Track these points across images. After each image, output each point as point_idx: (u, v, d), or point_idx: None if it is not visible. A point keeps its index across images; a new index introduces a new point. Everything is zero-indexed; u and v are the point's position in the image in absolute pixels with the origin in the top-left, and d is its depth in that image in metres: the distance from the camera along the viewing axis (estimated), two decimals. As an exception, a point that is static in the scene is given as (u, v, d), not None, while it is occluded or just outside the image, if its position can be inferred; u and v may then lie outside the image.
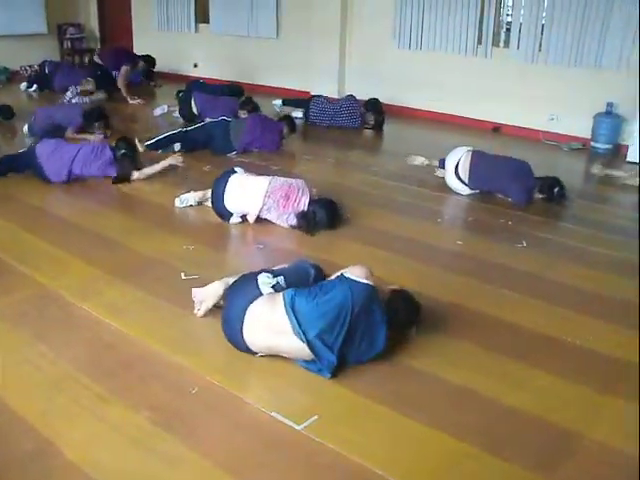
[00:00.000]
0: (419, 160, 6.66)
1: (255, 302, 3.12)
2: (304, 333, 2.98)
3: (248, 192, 4.94)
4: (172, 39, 12.36)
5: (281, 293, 3.13)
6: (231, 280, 3.47)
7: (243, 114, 8.02)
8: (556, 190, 5.69)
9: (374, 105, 8.79)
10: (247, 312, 3.11)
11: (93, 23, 13.70)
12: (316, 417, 2.79)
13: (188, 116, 8.28)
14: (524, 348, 3.44)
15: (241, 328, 3.12)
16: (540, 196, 5.73)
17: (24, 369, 3.10)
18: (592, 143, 7.98)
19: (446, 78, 9.16)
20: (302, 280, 3.36)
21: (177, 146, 6.93)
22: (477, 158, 5.83)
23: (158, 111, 8.98)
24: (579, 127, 8.11)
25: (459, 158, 5.86)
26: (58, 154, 5.84)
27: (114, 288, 3.94)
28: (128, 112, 9.25)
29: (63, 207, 5.52)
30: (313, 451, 2.62)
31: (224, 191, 4.96)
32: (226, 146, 6.94)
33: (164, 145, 6.95)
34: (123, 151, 6.03)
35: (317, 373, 3.08)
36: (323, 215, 4.88)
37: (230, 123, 7.08)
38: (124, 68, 10.00)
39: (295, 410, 2.84)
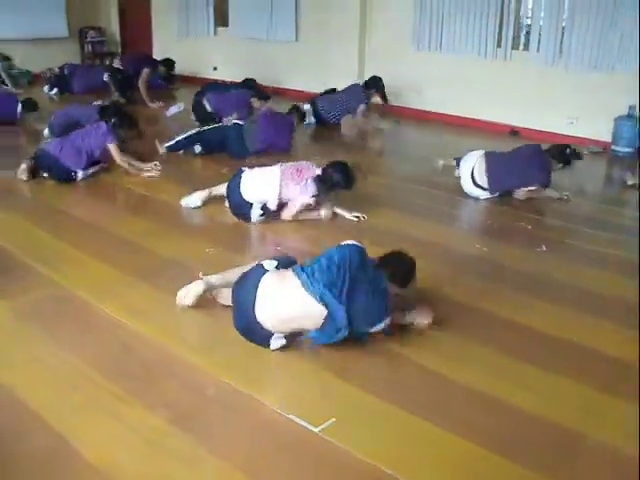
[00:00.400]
0: (440, 163, 6.60)
1: (265, 275, 3.26)
2: (312, 285, 3.12)
3: (263, 177, 5.06)
4: (192, 42, 12.43)
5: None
6: (212, 279, 3.62)
7: (256, 104, 8.10)
8: (568, 151, 5.75)
9: (374, 81, 8.86)
10: (259, 286, 3.21)
11: (114, 26, 13.83)
12: (333, 419, 2.78)
13: (202, 116, 8.32)
14: (540, 352, 3.42)
15: (253, 306, 3.18)
16: (558, 166, 5.77)
17: (40, 368, 3.12)
18: (612, 146, 7.92)
19: (465, 81, 9.13)
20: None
21: (197, 148, 6.97)
22: (491, 161, 5.79)
23: (173, 109, 8.98)
24: (599, 130, 8.05)
25: (473, 164, 5.82)
26: (68, 144, 6.05)
27: (131, 289, 3.96)
28: (147, 114, 9.28)
29: (82, 208, 5.56)
30: (329, 454, 2.61)
31: (240, 182, 5.04)
32: (241, 150, 6.93)
33: (184, 146, 6.99)
34: (113, 120, 6.29)
35: (331, 340, 3.15)
36: (339, 175, 4.99)
37: (243, 127, 7.05)
38: (145, 71, 10.10)
39: (312, 412, 2.83)
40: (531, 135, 8.52)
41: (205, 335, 3.57)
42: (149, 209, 5.53)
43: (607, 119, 7.90)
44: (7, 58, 11.32)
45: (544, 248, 4.81)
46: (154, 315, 3.66)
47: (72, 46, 13.00)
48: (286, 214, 5.10)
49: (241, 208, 5.08)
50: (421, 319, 3.53)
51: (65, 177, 5.97)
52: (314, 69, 10.65)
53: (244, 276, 3.38)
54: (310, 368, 3.17)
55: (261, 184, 5.03)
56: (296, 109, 7.65)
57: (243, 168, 5.23)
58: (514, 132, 8.77)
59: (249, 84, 9.30)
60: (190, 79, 12.03)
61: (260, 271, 3.31)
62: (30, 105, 8.46)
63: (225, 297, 3.62)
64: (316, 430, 2.72)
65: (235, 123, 7.15)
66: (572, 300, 4.01)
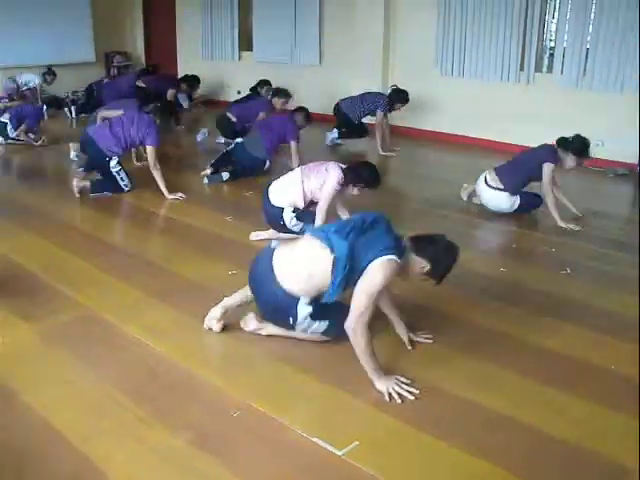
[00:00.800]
0: (464, 187, 6.57)
1: (276, 250, 3.44)
2: (322, 231, 3.31)
3: (287, 180, 5.16)
4: (216, 66, 12.56)
5: None
6: (227, 302, 3.68)
7: (278, 104, 8.42)
8: (570, 138, 5.83)
9: (397, 91, 8.81)
10: (273, 259, 3.38)
11: (140, 51, 14.03)
12: (357, 443, 2.77)
13: (225, 128, 8.45)
14: (565, 376, 3.38)
15: (272, 274, 3.33)
16: (568, 154, 5.81)
17: (67, 391, 3.14)
18: (638, 168, 7.85)
19: (489, 104, 9.11)
20: None
21: (225, 175, 7.00)
22: (499, 167, 6.05)
23: (200, 136, 9.09)
24: (625, 152, 7.98)
25: (484, 176, 6.03)
26: (106, 128, 6.29)
27: (155, 311, 3.99)
28: (171, 137, 9.37)
29: (105, 230, 5.63)
30: (353, 477, 2.59)
31: (268, 192, 5.15)
32: (255, 163, 6.99)
33: (221, 165, 7.07)
34: (152, 107, 6.66)
35: (339, 283, 3.17)
36: (366, 171, 4.97)
37: (244, 142, 7.12)
38: (170, 92, 10.17)
39: (336, 435, 2.82)
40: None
41: (229, 357, 3.57)
42: (173, 231, 5.57)
43: (633, 141, 7.83)
44: (53, 73, 11.36)
45: (568, 271, 4.78)
46: (177, 337, 3.67)
47: (98, 70, 13.16)
48: (320, 205, 5.03)
49: (275, 217, 5.16)
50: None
51: (99, 162, 6.20)
52: (337, 93, 10.67)
53: (256, 260, 3.54)
54: (334, 391, 3.16)
55: (286, 187, 5.12)
56: (301, 109, 7.60)
57: (270, 181, 5.33)
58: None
59: (264, 82, 9.97)
60: (214, 102, 12.14)
61: (270, 250, 3.47)
62: (54, 103, 8.58)
63: (249, 323, 3.65)
64: (339, 453, 2.70)
65: (237, 143, 7.20)
66: (601, 325, 3.95)
